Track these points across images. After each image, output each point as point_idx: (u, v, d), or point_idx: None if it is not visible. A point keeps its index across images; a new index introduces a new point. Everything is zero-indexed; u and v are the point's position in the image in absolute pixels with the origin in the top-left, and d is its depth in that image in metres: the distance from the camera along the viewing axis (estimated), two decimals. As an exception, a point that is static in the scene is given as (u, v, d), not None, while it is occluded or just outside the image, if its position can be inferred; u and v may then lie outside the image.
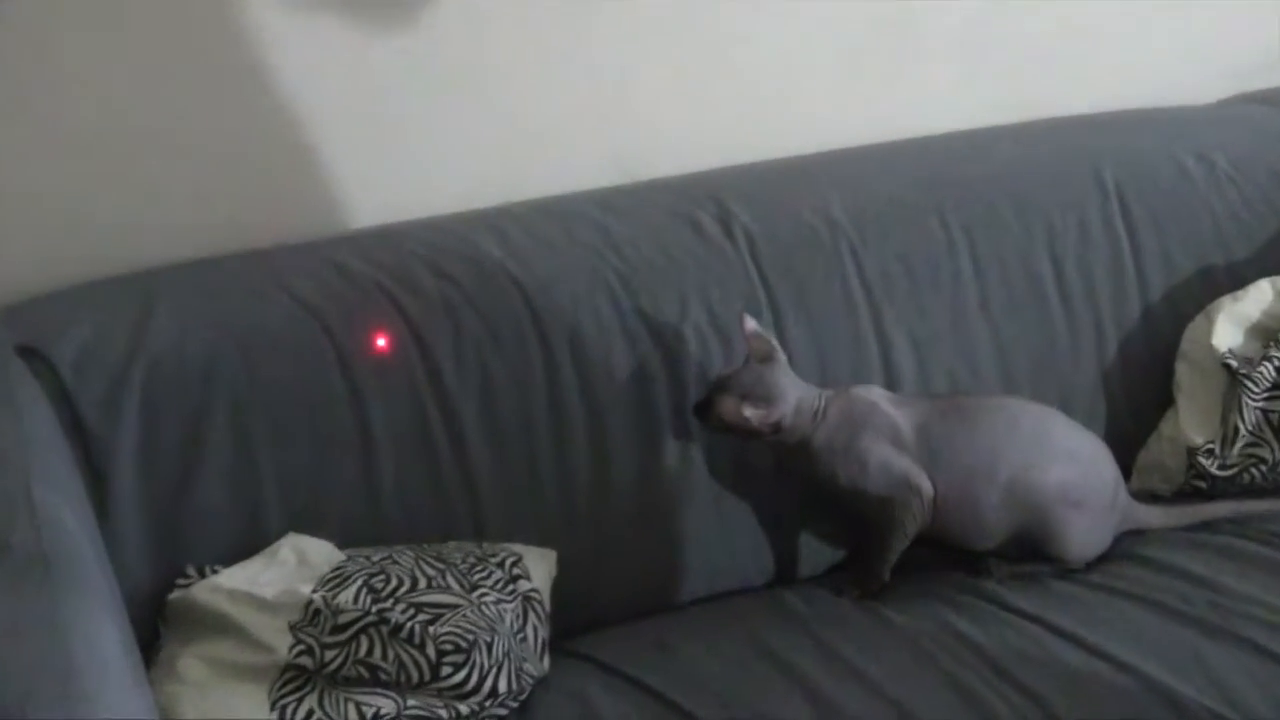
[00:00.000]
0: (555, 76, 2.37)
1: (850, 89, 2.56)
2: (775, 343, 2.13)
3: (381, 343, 2.09)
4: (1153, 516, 2.23)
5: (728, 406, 2.08)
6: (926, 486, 2.10)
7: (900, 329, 2.30)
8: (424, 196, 2.32)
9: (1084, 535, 2.14)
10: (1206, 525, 2.22)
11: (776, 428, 2.09)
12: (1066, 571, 2.14)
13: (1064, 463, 2.13)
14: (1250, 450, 2.28)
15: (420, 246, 2.19)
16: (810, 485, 2.16)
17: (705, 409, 2.11)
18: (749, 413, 2.07)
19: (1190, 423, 2.34)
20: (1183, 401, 2.37)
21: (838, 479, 2.12)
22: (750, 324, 2.13)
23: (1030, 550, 2.13)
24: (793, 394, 2.10)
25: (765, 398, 2.08)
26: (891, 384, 2.27)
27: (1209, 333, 2.38)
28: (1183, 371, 2.40)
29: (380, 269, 2.15)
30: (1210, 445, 2.30)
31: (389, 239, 2.23)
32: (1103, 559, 2.16)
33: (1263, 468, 2.28)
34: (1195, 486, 2.31)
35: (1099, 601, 2.06)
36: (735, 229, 2.29)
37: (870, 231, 2.33)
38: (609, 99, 2.41)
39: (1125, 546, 2.18)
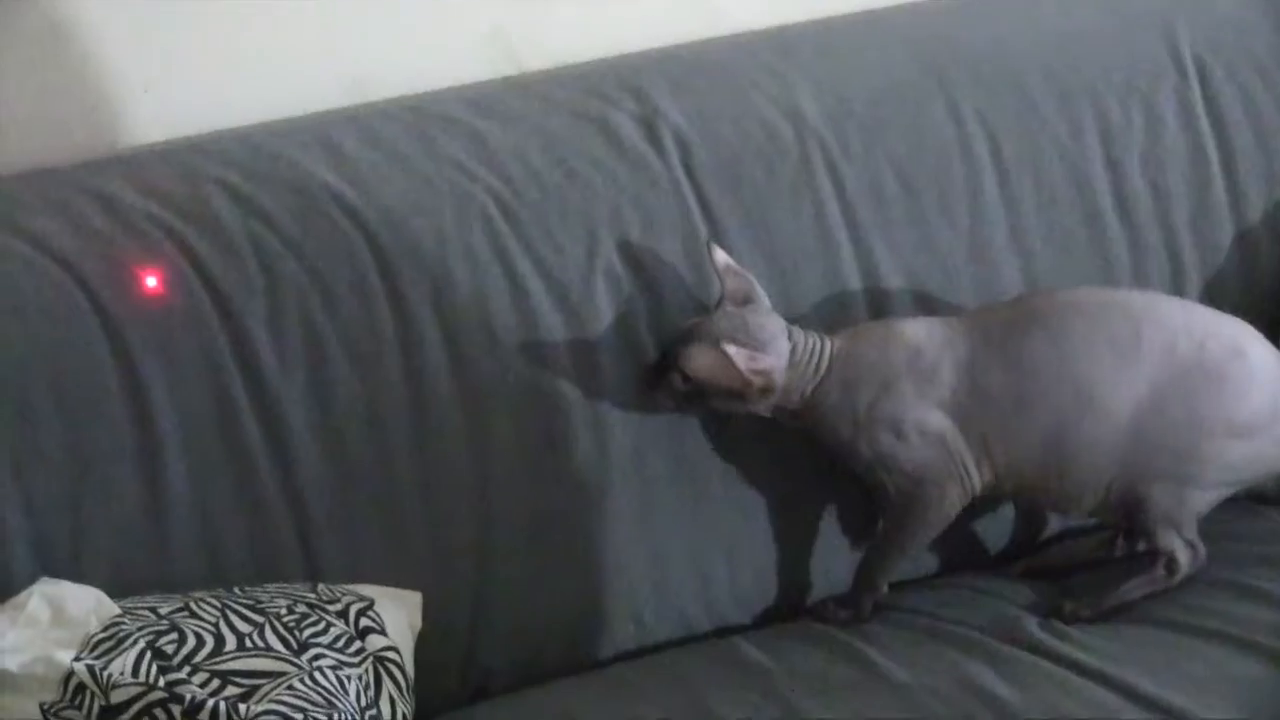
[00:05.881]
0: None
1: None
2: (754, 280, 2.16)
3: (166, 304, 2.08)
4: None
5: (701, 357, 2.10)
6: (974, 473, 2.15)
7: (896, 267, 2.32)
8: (226, 102, 2.31)
9: (1228, 466, 2.16)
10: None
11: (768, 382, 2.11)
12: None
13: (1157, 365, 2.12)
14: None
15: (220, 169, 2.18)
16: (824, 454, 2.20)
17: (664, 371, 2.12)
18: (733, 352, 2.08)
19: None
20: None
21: (858, 449, 2.16)
22: (722, 257, 2.16)
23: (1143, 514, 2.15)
24: (783, 341, 2.14)
25: (750, 343, 2.11)
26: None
27: (1334, 266, 2.41)
28: (1297, 322, 2.42)
29: (163, 202, 2.13)
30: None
31: (175, 161, 2.21)
32: (1189, 587, 2.17)
33: None
34: (1314, 481, 2.33)
35: (1185, 648, 2.08)
36: (663, 133, 2.29)
37: (852, 131, 2.34)
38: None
39: (1217, 571, 2.20)
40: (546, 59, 2.44)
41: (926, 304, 2.32)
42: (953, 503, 2.16)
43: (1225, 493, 2.20)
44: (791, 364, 2.14)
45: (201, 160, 2.20)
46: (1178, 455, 2.13)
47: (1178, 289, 2.43)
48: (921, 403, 2.15)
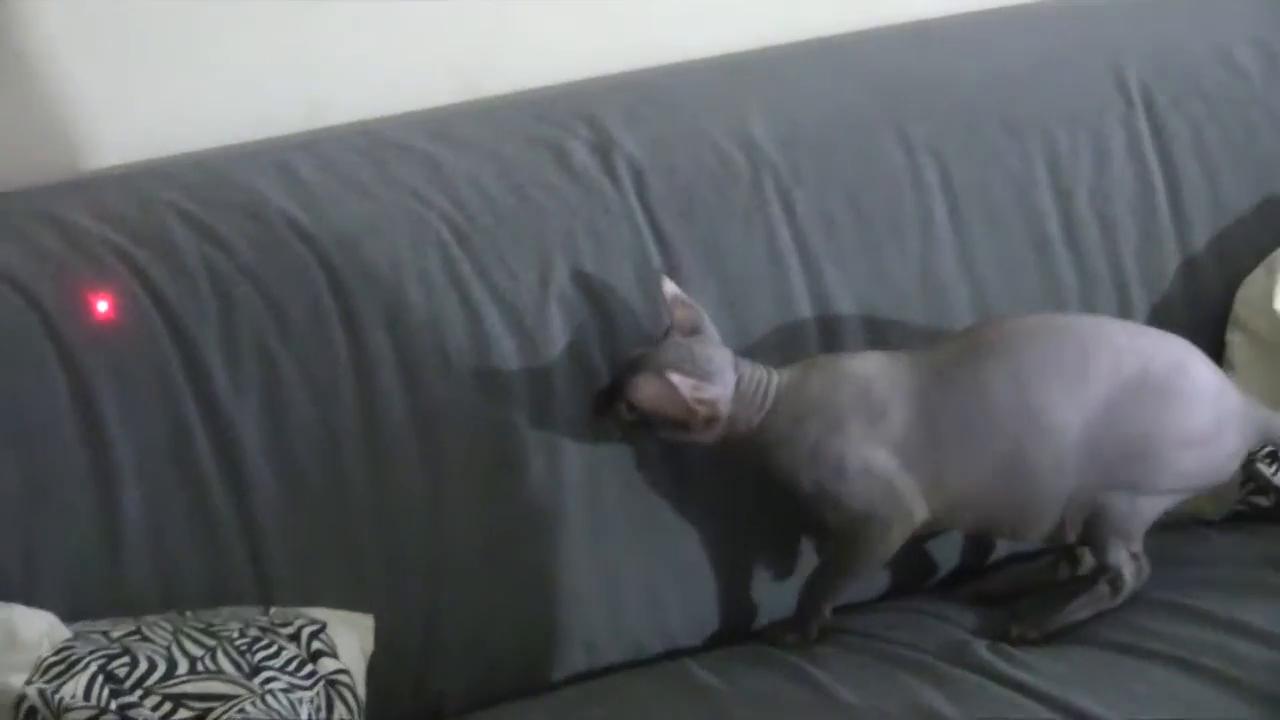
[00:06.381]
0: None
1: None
2: (703, 312, 2.16)
3: (120, 328, 2.07)
4: None
5: (647, 387, 2.08)
6: (919, 511, 2.14)
7: (847, 292, 2.31)
8: (184, 126, 2.31)
9: (1180, 474, 2.17)
10: None
11: (713, 412, 2.10)
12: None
13: (1106, 385, 2.13)
14: (1330, 451, 2.31)
15: (175, 194, 2.17)
16: (773, 487, 2.19)
17: (610, 399, 2.11)
18: (678, 380, 2.07)
19: (1247, 414, 2.35)
20: (1236, 386, 2.35)
21: (799, 481, 2.15)
22: (671, 288, 2.16)
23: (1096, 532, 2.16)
24: (730, 373, 2.13)
25: (696, 373, 2.10)
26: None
27: (1271, 292, 2.40)
28: (1236, 345, 2.43)
29: (118, 226, 2.13)
30: (1273, 447, 2.31)
31: (131, 185, 2.20)
32: (1134, 609, 2.17)
33: (1347, 476, 2.31)
34: (1254, 504, 2.34)
35: (1128, 669, 2.08)
36: (616, 160, 2.29)
37: (804, 159, 2.34)
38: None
39: (1161, 593, 2.20)
40: (502, 85, 2.43)
41: (877, 329, 2.32)
42: (894, 541, 2.16)
43: (1174, 500, 2.20)
44: (737, 395, 2.13)
45: (157, 185, 2.20)
46: (1131, 466, 2.13)
47: (1124, 314, 2.42)
48: (868, 442, 2.13)
